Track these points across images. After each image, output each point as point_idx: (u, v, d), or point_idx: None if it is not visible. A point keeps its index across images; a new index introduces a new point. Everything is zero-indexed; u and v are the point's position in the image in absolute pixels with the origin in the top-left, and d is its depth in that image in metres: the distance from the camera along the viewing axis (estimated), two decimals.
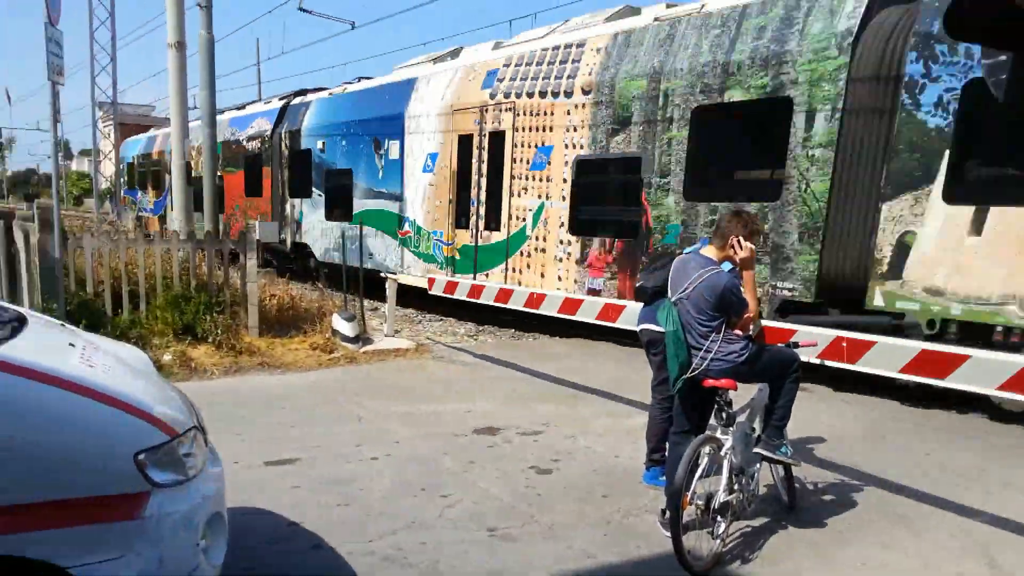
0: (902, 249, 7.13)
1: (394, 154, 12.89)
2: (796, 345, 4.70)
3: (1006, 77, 6.41)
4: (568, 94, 9.87)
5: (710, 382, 4.34)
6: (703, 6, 8.88)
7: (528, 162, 10.49)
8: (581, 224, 9.97)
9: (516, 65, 10.74)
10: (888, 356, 7.10)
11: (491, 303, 11.07)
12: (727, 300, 4.29)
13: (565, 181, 10.03)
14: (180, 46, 11.74)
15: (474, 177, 11.25)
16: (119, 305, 8.78)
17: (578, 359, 9.60)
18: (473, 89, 11.37)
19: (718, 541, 4.23)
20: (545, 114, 10.18)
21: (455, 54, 13.08)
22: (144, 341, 8.30)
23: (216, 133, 12.39)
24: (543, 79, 10.24)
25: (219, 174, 18.15)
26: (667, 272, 4.74)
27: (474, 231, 11.48)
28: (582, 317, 9.89)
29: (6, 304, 3.61)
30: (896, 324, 7.28)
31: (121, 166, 27.43)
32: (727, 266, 4.42)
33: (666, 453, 5.00)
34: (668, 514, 4.24)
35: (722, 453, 4.30)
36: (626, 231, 9.41)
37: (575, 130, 9.84)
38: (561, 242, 10.16)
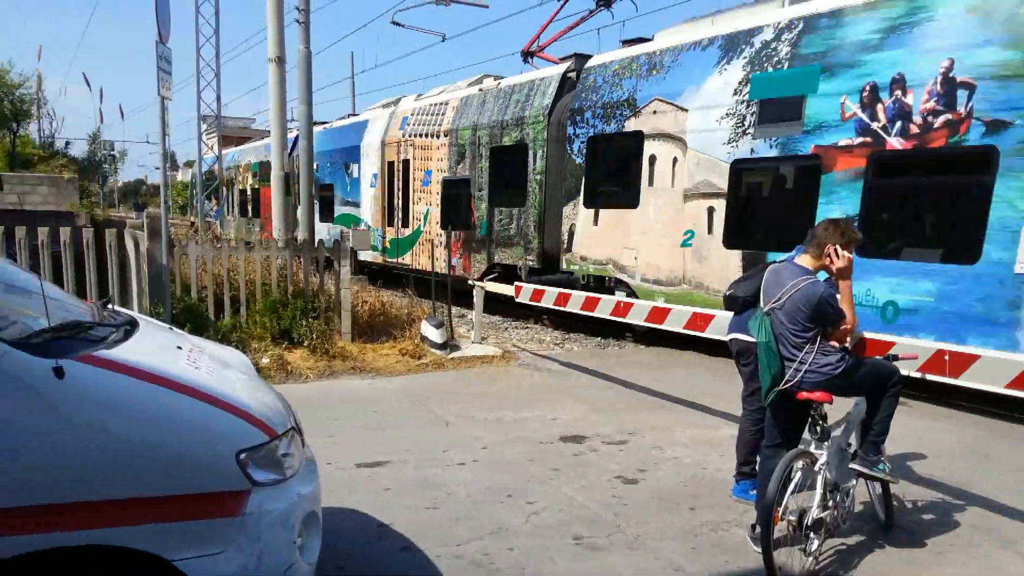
0: (571, 235, 11.81)
1: (355, 173, 18.03)
2: (895, 358, 4.52)
3: (603, 136, 11.21)
4: (437, 136, 14.97)
5: (804, 395, 4.21)
6: (499, 85, 13.86)
7: (421, 181, 15.58)
8: (445, 222, 14.51)
9: (417, 114, 15.93)
10: (993, 370, 6.75)
11: (577, 311, 11.08)
12: (823, 311, 4.15)
13: (437, 194, 14.99)
14: (280, 61, 12.17)
15: (396, 191, 15.79)
16: (221, 309, 9.13)
17: (665, 368, 9.47)
18: (395, 129, 16.51)
19: (811, 559, 4.09)
20: (428, 148, 15.26)
21: (396, 103, 17.65)
22: (244, 344, 8.61)
23: (312, 145, 12.77)
24: (427, 125, 15.34)
25: (256, 187, 23.95)
26: (759, 281, 4.62)
27: (396, 227, 16.49)
28: (669, 326, 9.76)
29: (119, 308, 3.79)
30: (571, 279, 11.75)
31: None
32: (823, 276, 4.28)
33: (756, 466, 4.88)
34: (758, 529, 4.13)
35: (816, 468, 4.17)
36: (464, 226, 14.10)
37: (441, 160, 14.84)
38: (439, 234, 14.86)
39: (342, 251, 9.74)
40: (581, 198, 11.48)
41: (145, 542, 2.66)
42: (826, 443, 4.27)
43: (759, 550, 4.01)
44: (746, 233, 9.25)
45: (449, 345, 9.82)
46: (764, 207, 9.09)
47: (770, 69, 8.77)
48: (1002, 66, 6.80)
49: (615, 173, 10.96)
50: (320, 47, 67.28)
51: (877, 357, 4.49)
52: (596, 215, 11.26)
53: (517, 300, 12.22)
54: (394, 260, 16.59)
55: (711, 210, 9.48)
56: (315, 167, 18.30)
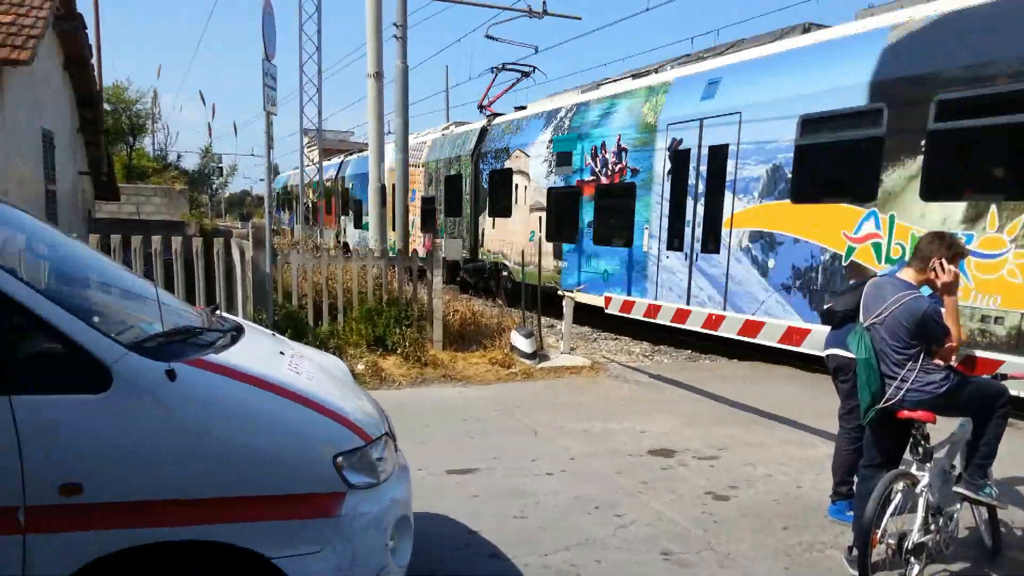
0: (482, 235, 16.88)
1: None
2: (1004, 377, 4.29)
3: (495, 171, 16.23)
4: (418, 166, 20.16)
5: (905, 414, 4.05)
6: (450, 128, 19.77)
7: (411, 198, 20.28)
8: (424, 228, 19.91)
9: (411, 149, 19.26)
10: None
11: (667, 323, 10.96)
12: (927, 327, 3.98)
13: (418, 207, 20.19)
14: (378, 76, 12.51)
15: (406, 206, 18.26)
16: (319, 317, 9.42)
17: (758, 382, 9.26)
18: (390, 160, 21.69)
19: None
20: (414, 175, 20.04)
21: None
22: (341, 350, 8.86)
23: (408, 158, 13.06)
24: (415, 157, 20.20)
25: (315, 201, 28.99)
26: (858, 295, 4.47)
27: (410, 232, 21.10)
28: (764, 340, 9.54)
29: (226, 314, 3.97)
30: (483, 265, 16.70)
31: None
32: (926, 290, 4.12)
33: (854, 487, 4.71)
34: (855, 552, 3.99)
35: (917, 491, 4.00)
36: (432, 231, 19.30)
37: (420, 184, 20.15)
38: (419, 236, 20.05)
39: (435, 261, 9.92)
40: (487, 211, 16.77)
41: (247, 539, 2.77)
42: (928, 464, 4.09)
43: (855, 573, 3.87)
44: (554, 232, 13.98)
45: (538, 355, 9.86)
46: (561, 216, 13.80)
47: (561, 134, 13.82)
48: (636, 140, 11.76)
49: (501, 195, 16.11)
50: (416, 61, 68.76)
51: (984, 376, 4.28)
52: (493, 222, 16.51)
53: (607, 311, 12.18)
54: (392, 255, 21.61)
55: (540, 218, 14.48)
56: (351, 185, 25.97)
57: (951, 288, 4.08)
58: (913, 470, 4.07)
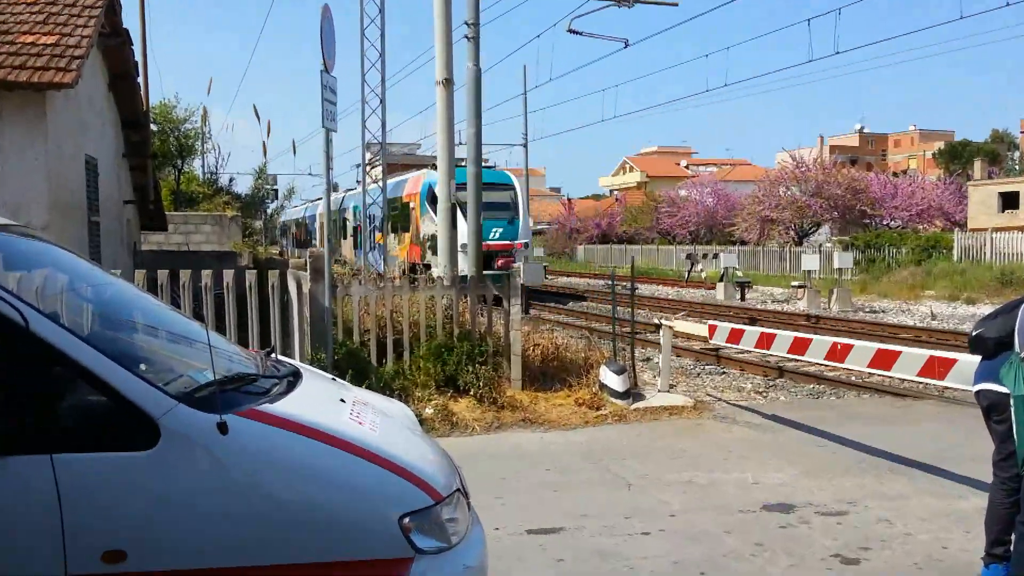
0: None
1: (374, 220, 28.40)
2: None
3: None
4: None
5: None
6: (377, 181, 25.40)
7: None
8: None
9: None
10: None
11: (784, 353, 10.77)
12: None
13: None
14: (447, 83, 12.73)
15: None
16: (383, 354, 9.60)
17: (895, 422, 8.98)
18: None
19: None
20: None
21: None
22: (407, 393, 9.00)
23: (481, 171, 13.24)
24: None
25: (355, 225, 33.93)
26: (1013, 319, 4.33)
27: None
28: (900, 373, 9.24)
29: (282, 358, 4.11)
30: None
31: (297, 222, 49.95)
32: None
33: (1011, 547, 4.52)
34: None
35: None
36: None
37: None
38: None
39: (511, 288, 9.99)
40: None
41: None
42: None
43: None
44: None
45: (632, 394, 9.80)
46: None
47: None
48: None
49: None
50: (489, 63, 69.89)
51: None
52: (397, 238, 24.79)
53: (711, 341, 12.04)
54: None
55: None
56: (347, 216, 33.47)
57: None
58: None
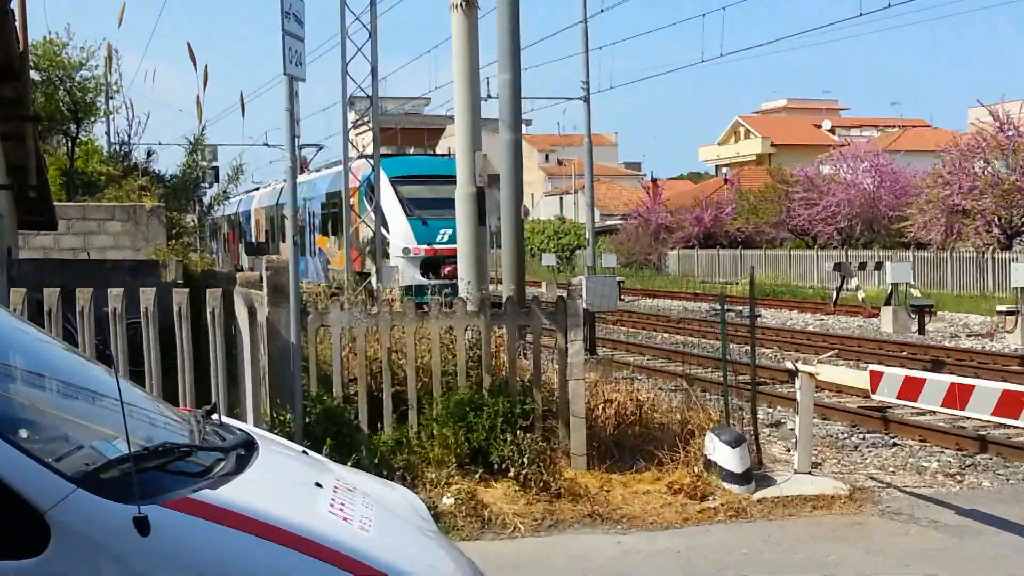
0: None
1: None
2: None
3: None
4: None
5: None
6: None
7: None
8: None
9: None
10: None
11: (988, 416, 10.62)
12: None
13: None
14: (469, 4, 12.72)
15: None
16: (378, 415, 9.58)
17: None
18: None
19: None
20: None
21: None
22: (414, 472, 9.01)
23: (521, 139, 13.26)
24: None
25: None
26: None
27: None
28: None
29: (231, 421, 4.12)
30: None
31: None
32: None
33: None
34: None
35: None
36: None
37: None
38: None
39: (569, 316, 9.92)
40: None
41: None
42: None
43: None
44: None
45: (754, 476, 9.72)
46: None
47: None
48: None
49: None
50: None
51: None
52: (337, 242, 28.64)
53: (874, 396, 11.90)
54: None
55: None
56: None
57: None
58: None
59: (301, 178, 33.68)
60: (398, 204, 28.81)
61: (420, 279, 25.79)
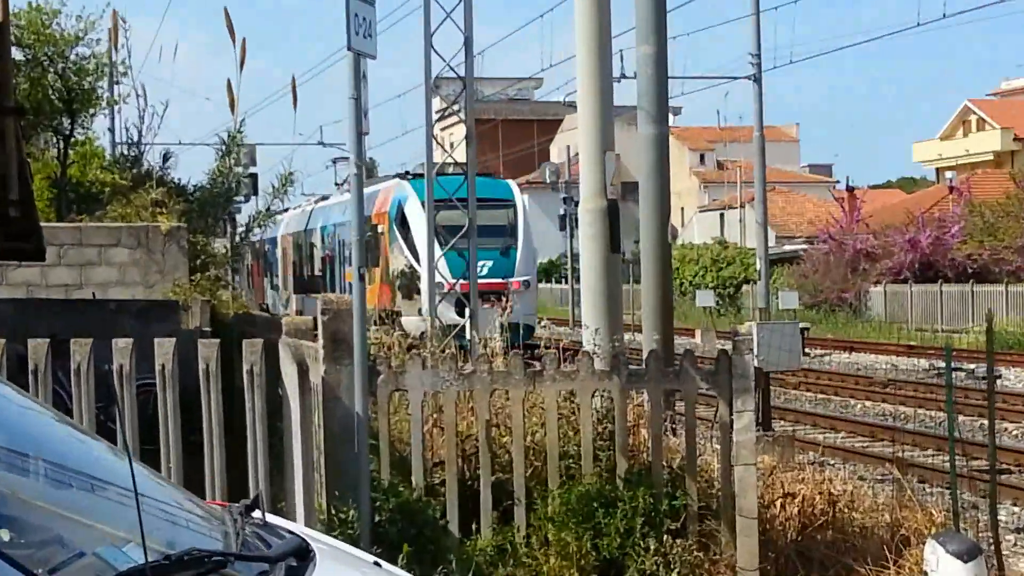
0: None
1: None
2: None
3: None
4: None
5: None
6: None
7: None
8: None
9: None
10: None
11: None
12: None
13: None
14: None
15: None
16: (473, 513, 9.57)
17: None
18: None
19: None
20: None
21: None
22: None
23: (668, 134, 13.27)
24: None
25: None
26: None
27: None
28: None
29: (277, 520, 4.15)
30: None
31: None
32: None
33: None
34: None
35: None
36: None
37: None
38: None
39: (735, 376, 9.81)
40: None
41: None
42: None
43: None
44: None
45: None
46: None
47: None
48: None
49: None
50: None
51: None
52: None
53: None
54: None
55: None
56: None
57: None
58: None
59: (332, 200, 34.32)
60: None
61: (454, 317, 27.26)
